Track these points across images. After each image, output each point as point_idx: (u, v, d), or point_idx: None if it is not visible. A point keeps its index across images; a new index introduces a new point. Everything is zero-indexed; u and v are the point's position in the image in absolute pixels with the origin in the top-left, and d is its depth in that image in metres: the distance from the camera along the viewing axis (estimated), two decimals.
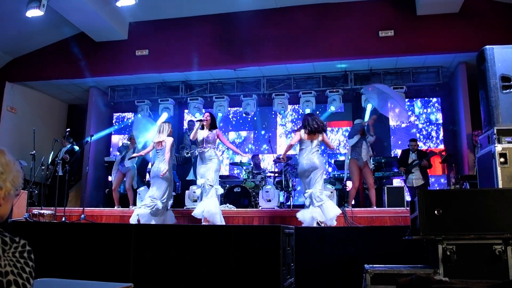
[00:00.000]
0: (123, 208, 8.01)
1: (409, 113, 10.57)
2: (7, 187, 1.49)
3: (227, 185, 8.73)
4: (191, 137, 6.67)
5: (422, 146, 9.91)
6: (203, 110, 10.46)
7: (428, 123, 10.49)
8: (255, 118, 11.19)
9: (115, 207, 8.13)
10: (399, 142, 10.33)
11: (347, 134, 10.80)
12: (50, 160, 8.88)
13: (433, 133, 10.38)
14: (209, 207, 6.24)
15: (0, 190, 1.48)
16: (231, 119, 11.54)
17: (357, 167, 7.49)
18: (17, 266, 1.38)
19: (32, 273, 1.41)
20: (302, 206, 9.13)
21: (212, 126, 6.66)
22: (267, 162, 10.65)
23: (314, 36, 8.83)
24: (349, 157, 7.58)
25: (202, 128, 6.63)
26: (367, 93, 8.13)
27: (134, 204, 8.09)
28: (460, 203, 3.25)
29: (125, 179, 8.43)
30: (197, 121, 6.83)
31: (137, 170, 8.60)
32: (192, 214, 6.40)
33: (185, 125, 10.81)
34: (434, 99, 10.50)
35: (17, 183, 1.53)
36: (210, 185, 6.38)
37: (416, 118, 10.58)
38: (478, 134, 7.62)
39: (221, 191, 6.63)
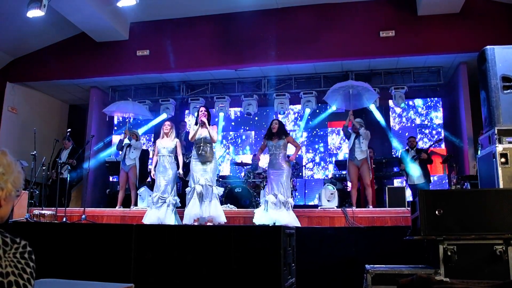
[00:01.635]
0: (124, 209, 8.00)
1: (411, 113, 10.57)
2: (8, 188, 1.49)
3: (228, 185, 8.72)
4: (190, 138, 6.58)
5: (424, 145, 9.91)
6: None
7: (428, 123, 10.49)
8: (256, 118, 11.20)
9: (117, 207, 8.11)
10: (401, 142, 10.32)
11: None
12: (50, 161, 8.86)
13: (435, 132, 10.38)
14: (215, 212, 6.32)
15: (1, 191, 1.48)
16: (232, 119, 11.54)
17: (354, 167, 7.50)
18: (18, 267, 1.38)
19: (33, 274, 1.41)
20: (303, 206, 9.17)
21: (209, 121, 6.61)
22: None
23: (315, 36, 8.83)
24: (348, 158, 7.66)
25: (203, 125, 6.50)
26: (328, 101, 8.27)
27: (136, 204, 8.07)
28: (461, 203, 3.26)
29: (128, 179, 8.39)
30: (198, 122, 6.61)
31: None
32: (196, 216, 6.36)
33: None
34: (435, 99, 10.50)
35: (18, 184, 1.53)
36: (210, 186, 6.40)
37: (417, 117, 10.58)
38: None
39: (220, 191, 6.69)
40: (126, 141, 8.24)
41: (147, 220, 6.74)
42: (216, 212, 6.35)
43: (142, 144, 8.64)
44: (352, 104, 7.79)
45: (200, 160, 6.46)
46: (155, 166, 7.08)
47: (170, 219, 6.73)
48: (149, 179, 9.37)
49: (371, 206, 7.33)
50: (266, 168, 8.85)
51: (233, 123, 11.58)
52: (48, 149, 9.05)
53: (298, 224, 6.32)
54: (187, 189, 6.60)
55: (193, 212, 6.27)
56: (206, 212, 6.27)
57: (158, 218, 6.63)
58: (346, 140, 10.57)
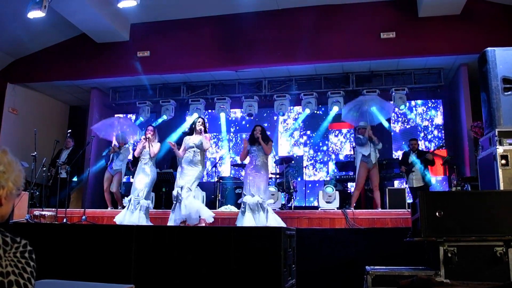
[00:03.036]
0: (107, 210, 8.02)
1: (412, 114, 10.57)
2: (9, 187, 1.50)
3: (228, 186, 8.72)
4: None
5: (429, 145, 9.91)
6: (204, 111, 10.51)
7: (429, 125, 10.49)
8: (256, 119, 11.20)
9: (109, 208, 8.11)
10: (403, 143, 10.32)
11: (348, 136, 10.81)
12: (50, 161, 8.86)
13: (435, 133, 10.38)
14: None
15: (2, 189, 1.48)
16: (232, 120, 11.54)
17: (365, 169, 7.50)
18: (18, 267, 1.38)
19: (33, 273, 1.42)
20: (303, 208, 9.16)
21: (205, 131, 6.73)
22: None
23: (315, 38, 8.83)
24: (359, 159, 7.60)
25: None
26: (345, 119, 8.41)
27: (122, 206, 8.00)
28: (461, 205, 3.25)
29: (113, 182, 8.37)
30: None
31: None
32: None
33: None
34: (436, 101, 10.49)
35: (19, 183, 1.54)
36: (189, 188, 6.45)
37: (418, 119, 10.58)
38: (477, 125, 7.58)
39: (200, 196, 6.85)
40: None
41: (118, 218, 6.77)
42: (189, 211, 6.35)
43: (129, 152, 8.56)
44: (368, 120, 7.83)
45: (190, 165, 6.53)
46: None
47: (142, 222, 6.72)
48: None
49: (380, 208, 7.35)
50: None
51: (233, 124, 11.58)
52: (49, 150, 9.05)
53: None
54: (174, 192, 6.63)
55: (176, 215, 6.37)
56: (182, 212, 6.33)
57: (133, 223, 6.56)
58: (347, 142, 10.63)
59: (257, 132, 6.66)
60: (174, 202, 6.48)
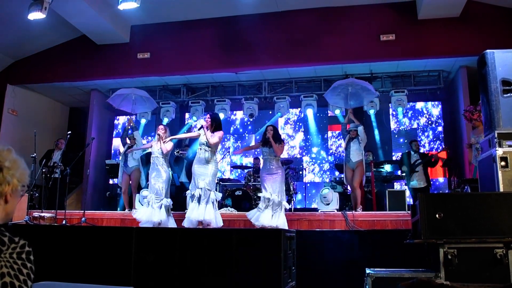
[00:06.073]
0: (124, 211, 7.98)
1: (412, 116, 10.58)
2: (14, 183, 1.51)
3: (228, 188, 8.71)
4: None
5: (426, 149, 9.91)
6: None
7: (429, 127, 10.49)
8: (257, 121, 11.20)
9: (126, 210, 8.04)
10: (402, 145, 10.33)
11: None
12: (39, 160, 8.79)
13: (435, 135, 10.38)
14: (208, 216, 6.30)
15: (7, 185, 1.49)
16: (233, 122, 11.55)
17: (349, 170, 7.49)
18: (14, 268, 1.35)
19: (30, 275, 1.38)
20: (303, 210, 9.16)
21: (215, 128, 6.61)
22: None
23: (315, 40, 8.84)
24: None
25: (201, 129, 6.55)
26: (327, 98, 8.40)
27: (135, 208, 7.98)
28: (461, 206, 3.25)
29: (131, 181, 8.34)
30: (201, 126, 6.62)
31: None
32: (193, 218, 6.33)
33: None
34: (435, 103, 10.50)
35: (23, 180, 1.55)
36: (208, 190, 6.40)
37: (417, 121, 10.58)
38: (469, 109, 7.48)
39: (219, 196, 6.66)
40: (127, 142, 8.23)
41: (142, 216, 6.64)
42: (209, 216, 6.30)
43: (140, 137, 8.49)
44: (350, 103, 7.89)
45: (200, 164, 6.48)
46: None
47: (170, 223, 6.73)
48: None
49: (359, 209, 7.22)
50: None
51: (233, 126, 11.58)
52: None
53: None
54: (187, 192, 6.60)
55: (193, 215, 6.27)
56: (200, 216, 6.26)
57: (159, 220, 6.57)
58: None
59: (269, 132, 6.60)
60: (195, 202, 6.34)
